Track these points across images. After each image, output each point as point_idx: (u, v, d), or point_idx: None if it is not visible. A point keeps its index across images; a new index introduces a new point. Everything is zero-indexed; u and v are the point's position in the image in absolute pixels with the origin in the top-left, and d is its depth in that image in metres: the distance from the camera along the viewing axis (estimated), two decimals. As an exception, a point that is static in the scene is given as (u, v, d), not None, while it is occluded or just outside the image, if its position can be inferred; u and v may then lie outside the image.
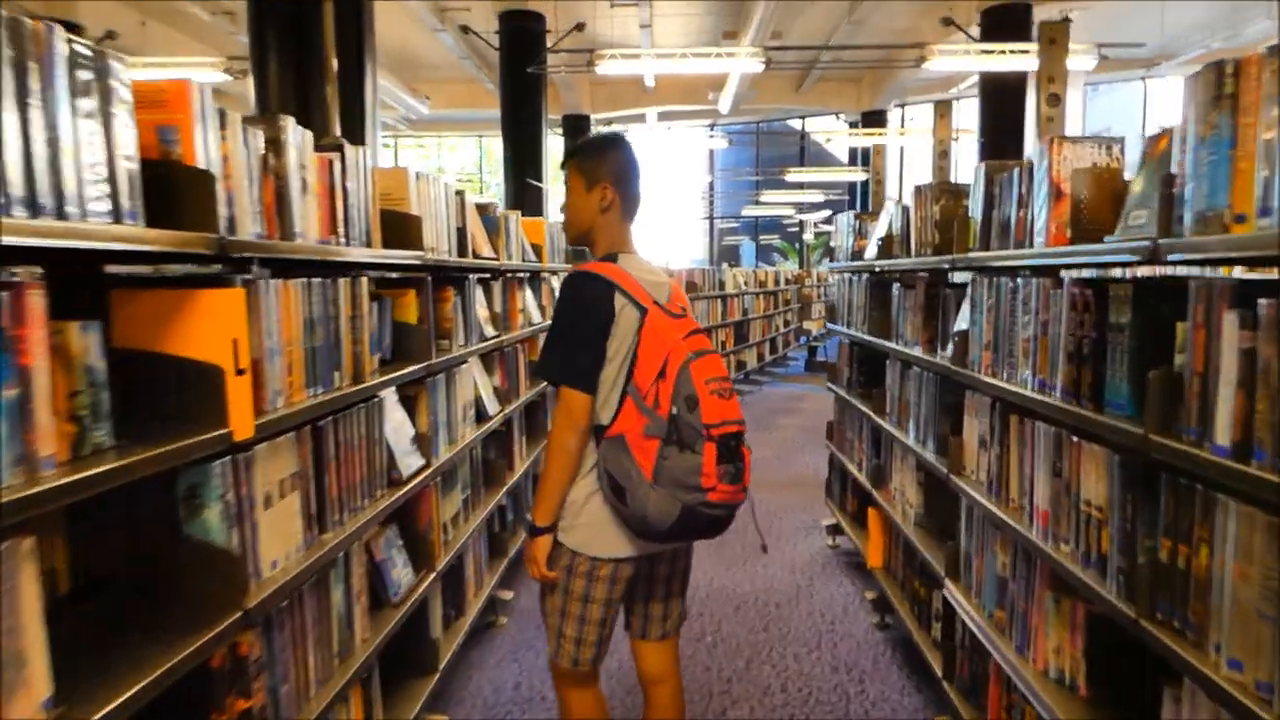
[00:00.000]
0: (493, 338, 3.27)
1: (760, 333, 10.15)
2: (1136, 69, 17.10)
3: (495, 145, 15.26)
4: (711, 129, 17.05)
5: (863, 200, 20.30)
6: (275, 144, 1.56)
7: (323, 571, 1.74)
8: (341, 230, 1.85)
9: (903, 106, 21.59)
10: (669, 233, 27.30)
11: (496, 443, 3.46)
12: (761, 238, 29.33)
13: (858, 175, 18.56)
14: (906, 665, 2.97)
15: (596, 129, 22.76)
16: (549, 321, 4.64)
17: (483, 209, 3.33)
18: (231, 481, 1.37)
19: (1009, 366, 1.95)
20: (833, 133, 17.79)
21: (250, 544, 1.43)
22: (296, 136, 1.63)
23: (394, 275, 2.47)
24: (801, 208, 21.64)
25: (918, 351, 2.76)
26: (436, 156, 27.16)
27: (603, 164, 1.85)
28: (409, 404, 2.41)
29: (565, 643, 1.83)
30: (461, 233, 2.89)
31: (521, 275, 3.98)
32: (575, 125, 21.30)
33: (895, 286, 3.11)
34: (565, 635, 1.83)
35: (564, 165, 1.90)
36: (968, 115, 18.17)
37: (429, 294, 2.45)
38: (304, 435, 1.65)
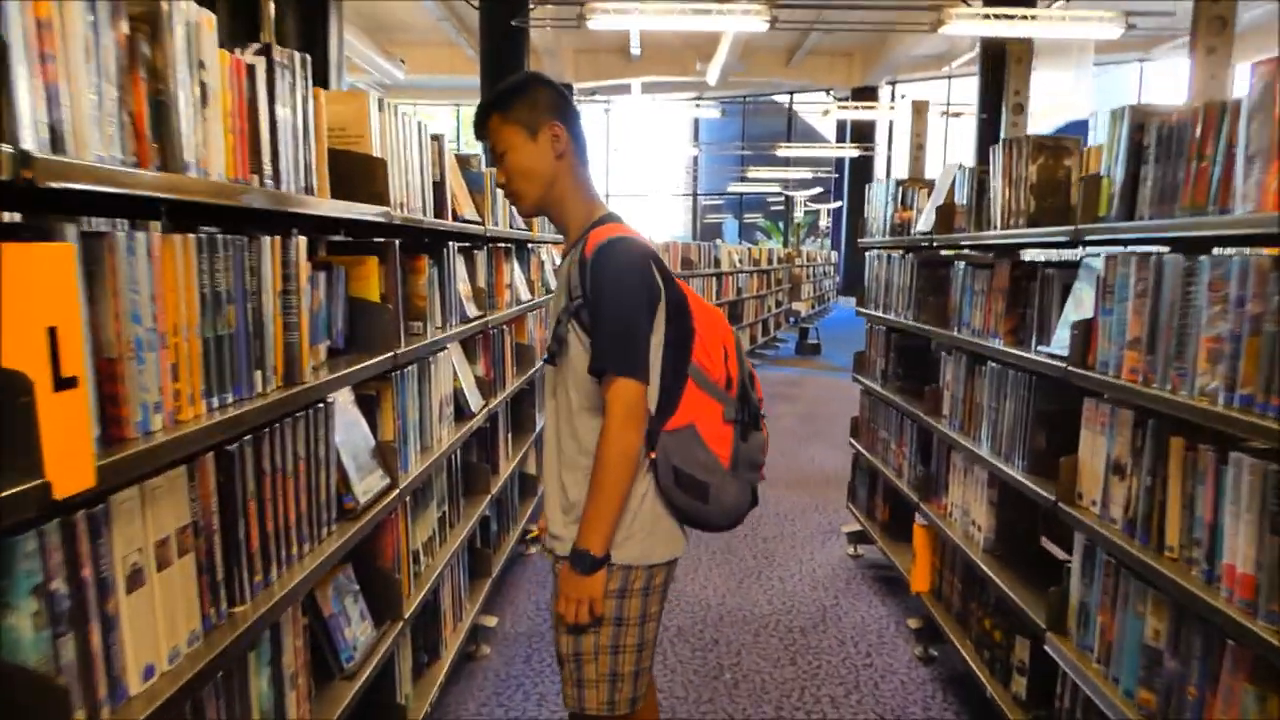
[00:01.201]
0: (476, 318, 2.73)
1: (754, 313, 9.67)
2: (1134, 50, 16.73)
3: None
4: (698, 103, 16.43)
5: (853, 177, 19.85)
6: (151, 25, 1.01)
7: (237, 659, 1.21)
8: (268, 168, 1.30)
9: (894, 84, 21.09)
10: (650, 209, 26.69)
11: (479, 443, 2.93)
12: (745, 216, 28.84)
13: (849, 151, 18.07)
14: (966, 713, 2.52)
15: (579, 99, 22.00)
16: (538, 298, 4.14)
17: (464, 162, 2.78)
18: (59, 561, 0.84)
19: (1176, 373, 1.46)
20: (825, 103, 17.23)
21: (100, 654, 0.90)
22: (187, 16, 1.07)
23: (347, 238, 1.92)
24: (789, 185, 21.12)
25: (996, 344, 2.26)
26: (412, 125, 26.20)
27: (537, 102, 1.50)
28: (369, 405, 1.88)
29: (623, 684, 1.49)
30: (439, 188, 2.34)
31: (507, 245, 3.42)
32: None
33: (959, 266, 2.61)
34: (622, 675, 1.49)
35: (484, 125, 1.52)
36: (962, 92, 17.75)
37: (396, 263, 1.90)
38: (203, 468, 1.12)
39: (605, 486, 1.39)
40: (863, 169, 19.63)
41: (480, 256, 2.88)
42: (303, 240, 1.38)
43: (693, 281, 6.92)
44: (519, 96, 1.51)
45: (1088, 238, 1.78)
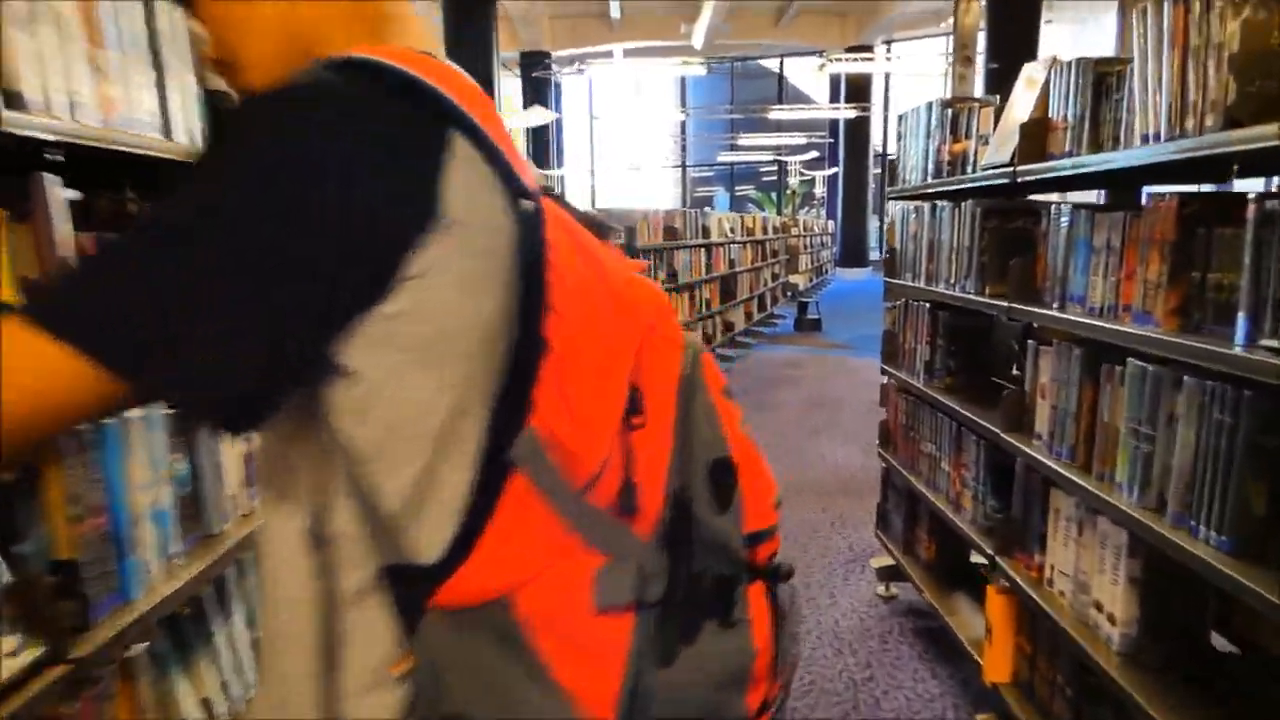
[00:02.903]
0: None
1: (748, 288, 8.79)
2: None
3: (442, 78, 13.50)
4: (684, 61, 15.40)
5: (849, 141, 18.86)
6: None
7: None
8: None
9: (889, 43, 20.02)
10: (639, 182, 25.69)
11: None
12: (736, 188, 27.83)
13: (844, 112, 17.06)
14: None
15: (558, 69, 20.91)
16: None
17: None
18: None
19: None
20: (820, 52, 16.15)
21: None
22: None
23: None
24: (781, 152, 20.13)
25: (1149, 330, 1.39)
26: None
27: None
28: None
29: None
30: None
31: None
32: (534, 63, 19.46)
33: (1061, 211, 1.73)
34: None
35: None
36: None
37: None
38: None
39: None
40: (859, 132, 18.64)
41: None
42: None
43: (679, 254, 6.04)
44: None
45: None
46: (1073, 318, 1.64)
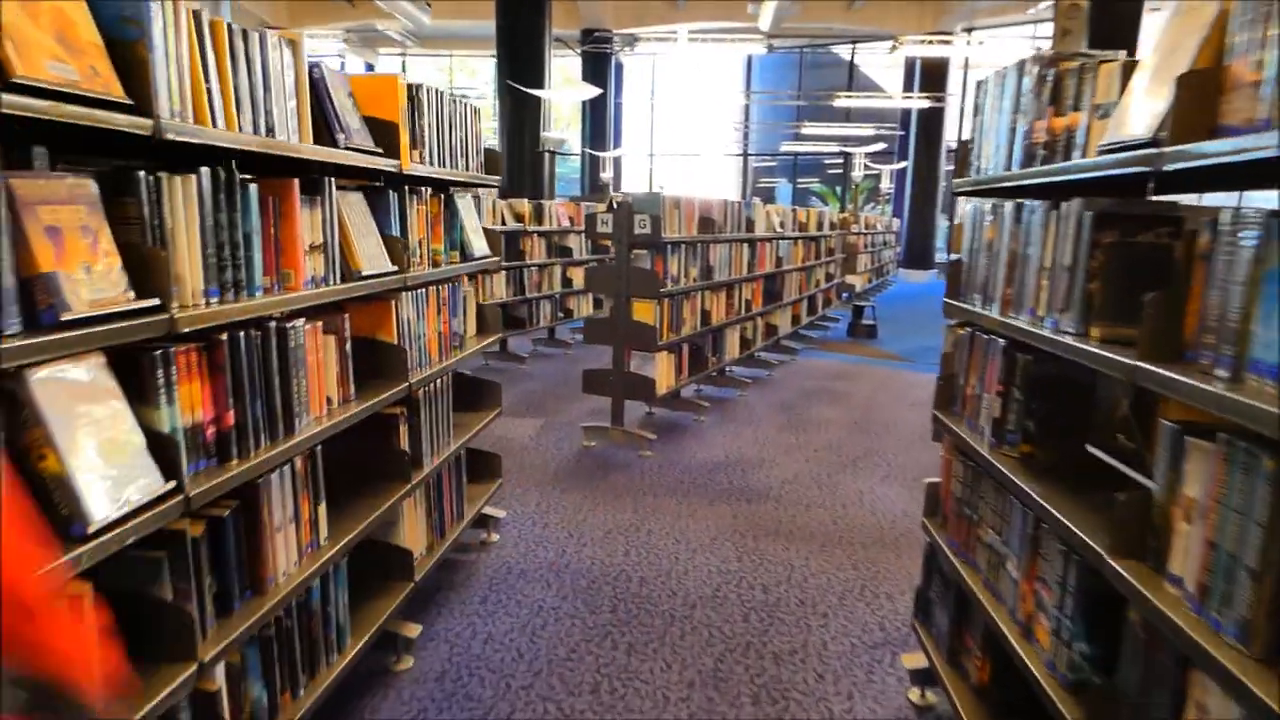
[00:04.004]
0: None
1: (797, 289, 8.04)
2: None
3: (492, 52, 12.94)
4: (747, 38, 14.59)
5: (921, 134, 17.73)
6: None
7: None
8: None
9: (970, 30, 18.78)
10: (700, 170, 24.89)
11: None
12: (800, 181, 26.79)
13: (917, 102, 15.98)
14: None
15: (620, 49, 20.26)
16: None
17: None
18: None
19: None
20: (892, 53, 15.14)
21: None
22: None
23: None
24: (848, 142, 19.10)
25: None
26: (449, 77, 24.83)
27: None
28: None
29: None
30: None
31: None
32: (596, 41, 18.86)
33: (1233, 219, 1.05)
34: None
35: None
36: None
37: None
38: None
39: None
40: (932, 124, 17.50)
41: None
42: None
43: (717, 249, 5.38)
44: None
45: None
46: (1262, 405, 0.96)
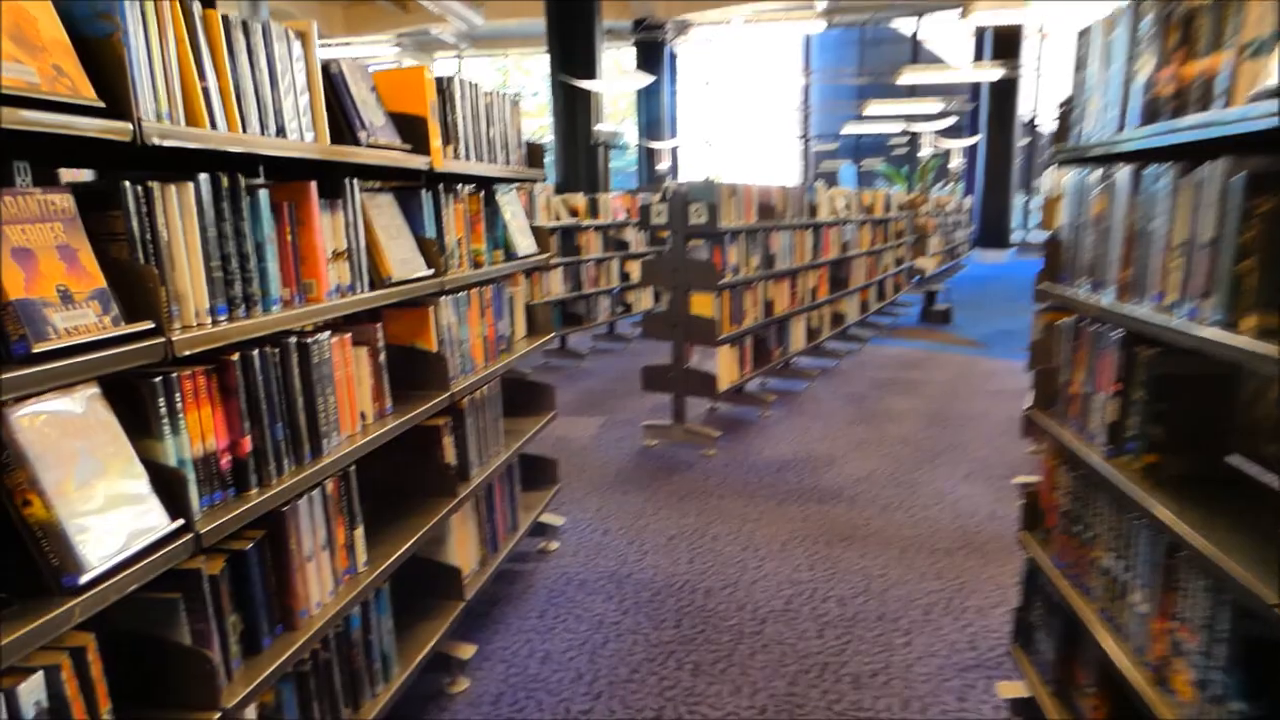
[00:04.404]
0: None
1: (865, 274, 7.70)
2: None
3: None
4: (804, 8, 14.12)
5: (994, 107, 16.90)
6: None
7: None
8: None
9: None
10: (758, 154, 24.40)
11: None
12: (863, 162, 26.01)
13: (988, 72, 15.20)
14: None
15: (672, 37, 19.94)
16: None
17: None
18: None
19: None
20: (955, 31, 14.41)
21: None
22: None
23: None
24: (914, 120, 18.37)
25: None
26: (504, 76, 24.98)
27: None
28: None
29: None
30: None
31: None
32: (648, 29, 18.60)
33: None
34: None
35: None
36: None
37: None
38: None
39: None
40: (1005, 96, 16.66)
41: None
42: None
43: (778, 235, 5.14)
44: None
45: None
46: None
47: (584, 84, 10.64)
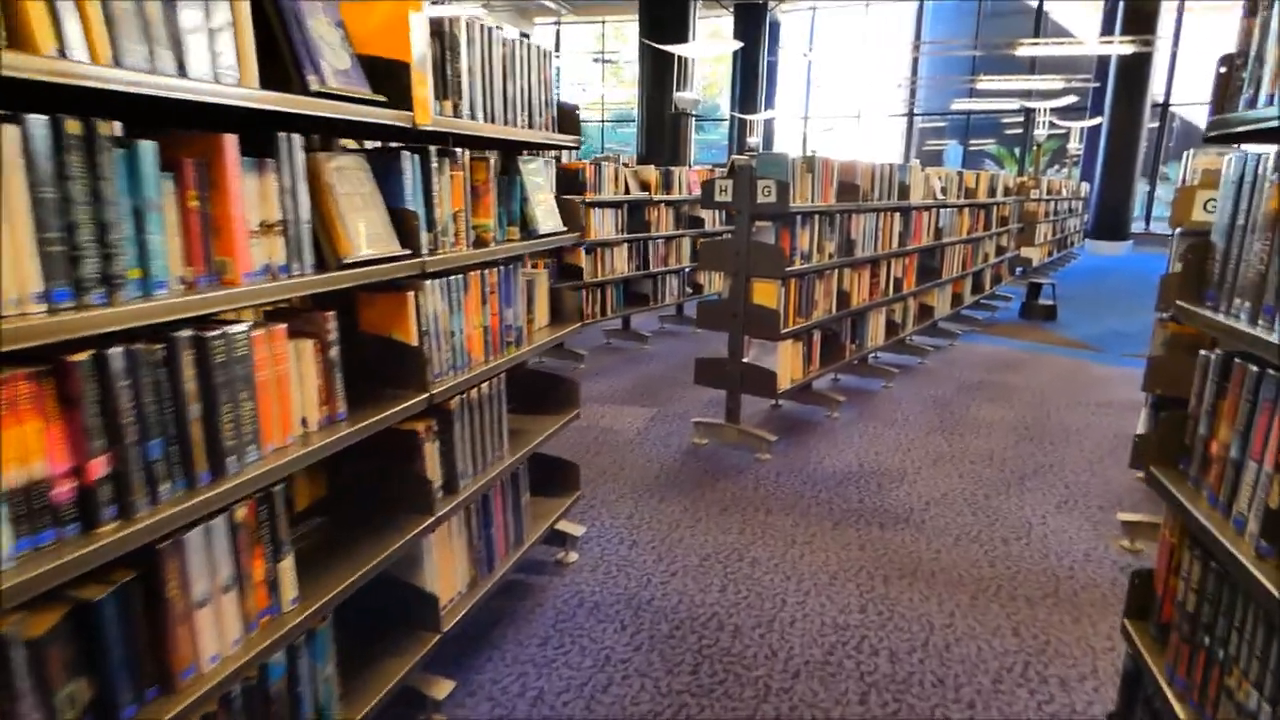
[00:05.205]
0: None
1: (960, 264, 7.02)
2: None
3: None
4: (919, 11, 13.19)
5: (1120, 87, 15.44)
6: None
7: None
8: None
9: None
10: (861, 132, 23.29)
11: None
12: (972, 143, 24.46)
13: (1117, 47, 13.82)
14: None
15: (776, 3, 19.07)
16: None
17: None
18: None
19: None
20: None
21: None
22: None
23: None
24: (1032, 96, 17.02)
25: None
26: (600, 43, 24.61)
27: None
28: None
29: None
30: None
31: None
32: (749, 7, 17.83)
33: None
34: None
35: None
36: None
37: None
38: None
39: None
40: (1135, 73, 15.16)
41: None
42: None
43: (860, 220, 4.61)
44: None
45: None
46: None
47: (669, 48, 10.17)
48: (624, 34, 26.35)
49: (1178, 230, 3.09)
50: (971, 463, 4.09)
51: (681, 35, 11.13)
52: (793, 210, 3.89)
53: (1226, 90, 1.38)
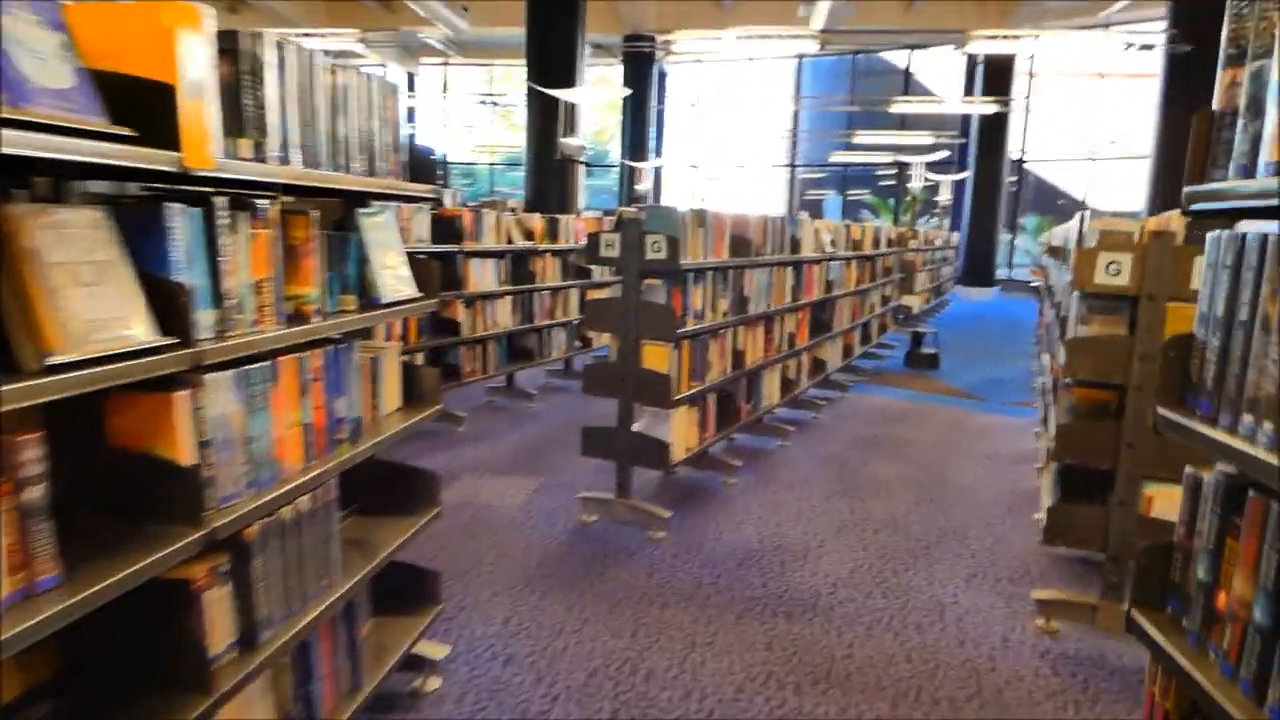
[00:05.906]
0: None
1: (850, 316, 6.99)
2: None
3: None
4: (798, 35, 13.59)
5: (984, 142, 16.46)
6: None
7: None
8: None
9: (1035, 37, 17.44)
10: (745, 182, 23.87)
11: None
12: (850, 193, 25.53)
13: (979, 107, 14.72)
14: None
15: (664, 54, 19.38)
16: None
17: None
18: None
19: None
20: (957, 34, 13.90)
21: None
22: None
23: None
24: (904, 151, 17.91)
25: None
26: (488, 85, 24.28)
27: None
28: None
29: None
30: None
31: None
32: (636, 41, 18.01)
33: None
34: None
35: None
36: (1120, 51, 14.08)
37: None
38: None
39: None
40: (995, 131, 16.23)
41: None
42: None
43: (753, 275, 4.40)
44: None
45: None
46: None
47: (555, 92, 9.93)
48: (513, 77, 26.18)
49: (1076, 293, 2.99)
50: (875, 531, 3.86)
51: (569, 80, 10.94)
52: (684, 267, 3.60)
53: (1205, 151, 1.14)
